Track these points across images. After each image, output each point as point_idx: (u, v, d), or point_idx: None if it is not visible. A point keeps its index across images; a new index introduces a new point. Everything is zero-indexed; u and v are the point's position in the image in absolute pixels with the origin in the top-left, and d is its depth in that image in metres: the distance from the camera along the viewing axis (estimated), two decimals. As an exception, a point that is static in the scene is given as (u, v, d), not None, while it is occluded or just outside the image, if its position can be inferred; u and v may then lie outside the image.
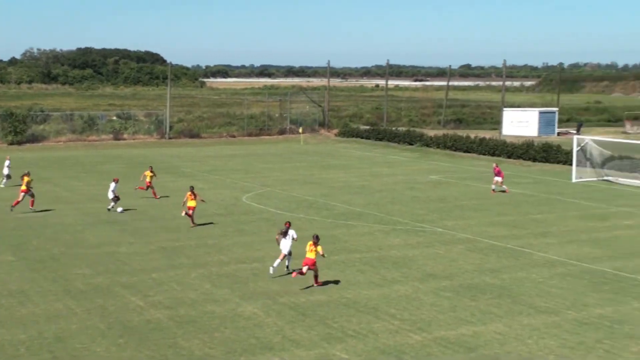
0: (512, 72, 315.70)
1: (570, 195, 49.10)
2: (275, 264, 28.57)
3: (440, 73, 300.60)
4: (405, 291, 27.32)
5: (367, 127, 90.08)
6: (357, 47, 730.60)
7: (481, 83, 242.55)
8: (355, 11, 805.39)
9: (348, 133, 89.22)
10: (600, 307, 25.62)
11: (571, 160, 57.84)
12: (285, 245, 28.70)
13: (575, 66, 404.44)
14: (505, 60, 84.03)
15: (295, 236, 28.79)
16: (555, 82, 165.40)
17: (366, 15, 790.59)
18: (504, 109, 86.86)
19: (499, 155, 69.42)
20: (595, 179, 56.00)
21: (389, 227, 38.60)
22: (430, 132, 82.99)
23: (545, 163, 64.91)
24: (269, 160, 67.68)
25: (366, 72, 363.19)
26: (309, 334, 22.89)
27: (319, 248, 27.26)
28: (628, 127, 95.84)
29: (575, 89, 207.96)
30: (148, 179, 46.22)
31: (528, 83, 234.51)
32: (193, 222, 37.92)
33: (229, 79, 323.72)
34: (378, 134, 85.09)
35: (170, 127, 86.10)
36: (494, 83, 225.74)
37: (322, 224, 39.12)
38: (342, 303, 25.82)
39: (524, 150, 67.64)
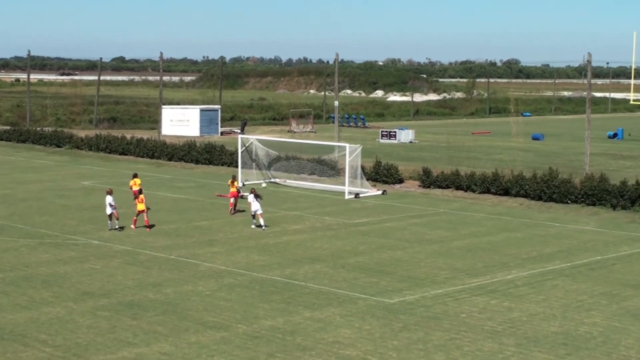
0: (171, 66, 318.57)
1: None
2: (262, 222, 41.13)
3: (90, 66, 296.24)
4: (58, 313, 26.66)
5: (7, 128, 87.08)
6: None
7: (137, 78, 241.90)
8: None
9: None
10: (271, 319, 26.53)
11: (236, 162, 59.40)
12: (257, 205, 41.04)
13: (237, 60, 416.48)
14: (162, 53, 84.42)
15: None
16: (216, 77, 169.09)
17: (3, 1, 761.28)
18: (163, 106, 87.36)
19: (159, 158, 69.76)
20: (262, 181, 57.94)
21: (36, 241, 37.50)
22: (81, 133, 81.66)
23: (209, 165, 66.12)
24: None
25: (4, 65, 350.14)
26: (-57, 370, 21.61)
27: (236, 183, 46.22)
28: (294, 125, 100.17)
29: (238, 85, 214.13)
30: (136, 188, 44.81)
31: (188, 78, 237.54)
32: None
33: None
34: (20, 135, 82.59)
35: None
36: (150, 78, 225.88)
37: (-44, 240, 37.19)
38: (-17, 331, 24.67)
39: (185, 152, 68.46)
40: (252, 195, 41.59)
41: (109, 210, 39.62)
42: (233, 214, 45.54)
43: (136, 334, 24.74)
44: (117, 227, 40.09)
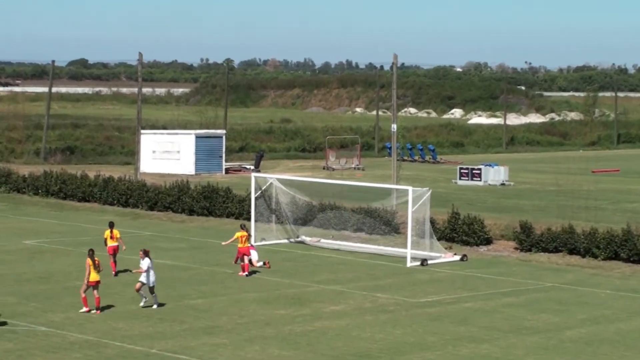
0: (154, 72, 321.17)
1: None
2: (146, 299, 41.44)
3: (38, 73, 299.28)
4: None
5: None
6: None
7: (105, 90, 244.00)
8: None
9: None
10: None
11: (248, 212, 59.35)
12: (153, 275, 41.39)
13: (250, 65, 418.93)
14: (141, 54, 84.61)
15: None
16: (220, 89, 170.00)
17: None
18: (142, 131, 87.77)
19: (135, 206, 69.93)
20: (285, 240, 57.87)
21: (-44, 326, 37.71)
22: (24, 169, 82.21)
23: (209, 217, 66.13)
24: None
25: None
26: None
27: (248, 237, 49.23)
28: (332, 159, 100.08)
29: (252, 101, 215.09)
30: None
31: (179, 90, 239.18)
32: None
33: None
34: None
35: None
36: (124, 90, 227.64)
37: None
38: None
39: (174, 197, 68.55)
40: (147, 260, 41.35)
41: None
42: (247, 275, 47.72)
43: None
44: None
